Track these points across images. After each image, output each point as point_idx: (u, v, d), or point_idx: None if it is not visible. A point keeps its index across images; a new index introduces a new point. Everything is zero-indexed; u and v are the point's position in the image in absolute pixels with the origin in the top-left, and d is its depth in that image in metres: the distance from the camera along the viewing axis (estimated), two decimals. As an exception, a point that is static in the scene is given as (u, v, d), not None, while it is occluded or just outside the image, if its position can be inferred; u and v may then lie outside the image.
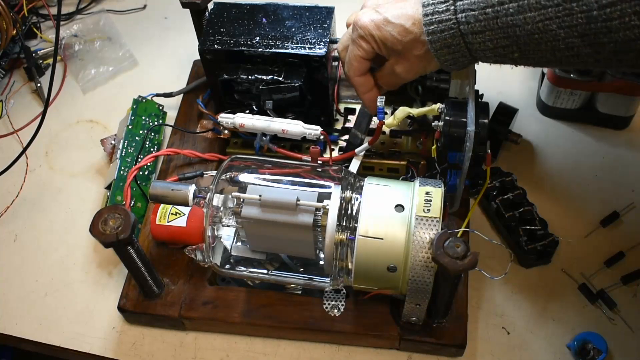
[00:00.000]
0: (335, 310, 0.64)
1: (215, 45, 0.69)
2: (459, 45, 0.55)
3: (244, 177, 0.62)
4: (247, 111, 0.71)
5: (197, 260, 0.61)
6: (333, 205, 0.57)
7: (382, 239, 0.55)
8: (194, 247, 0.61)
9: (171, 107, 0.83)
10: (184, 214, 0.67)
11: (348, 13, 0.77)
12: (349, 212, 0.57)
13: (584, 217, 0.74)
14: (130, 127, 0.78)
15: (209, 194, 0.59)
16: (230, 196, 0.60)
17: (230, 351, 0.66)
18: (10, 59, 0.92)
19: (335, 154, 0.72)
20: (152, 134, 0.80)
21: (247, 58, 0.69)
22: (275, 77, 0.68)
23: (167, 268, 0.67)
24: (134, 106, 0.79)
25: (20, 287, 0.71)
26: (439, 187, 0.57)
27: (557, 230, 0.70)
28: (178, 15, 0.97)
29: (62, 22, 0.96)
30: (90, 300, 0.70)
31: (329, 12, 0.71)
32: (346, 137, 0.74)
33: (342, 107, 0.77)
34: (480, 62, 0.57)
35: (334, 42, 0.72)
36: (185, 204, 0.60)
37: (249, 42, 0.68)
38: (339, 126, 0.76)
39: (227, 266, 0.63)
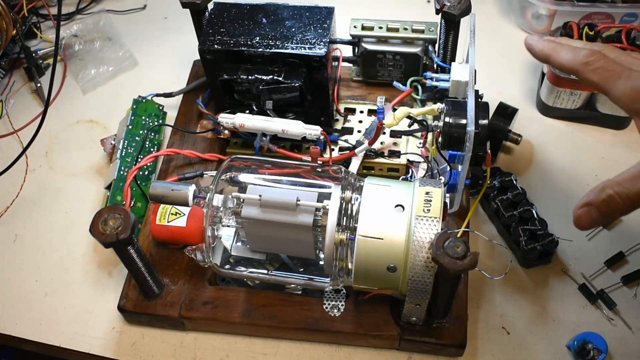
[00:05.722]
0: (335, 310, 0.64)
1: (215, 45, 0.69)
2: None
3: (244, 177, 0.62)
4: (247, 111, 0.71)
5: (197, 260, 0.61)
6: (333, 206, 0.57)
7: (382, 239, 0.55)
8: (194, 247, 0.61)
9: (171, 107, 0.83)
10: (184, 214, 0.67)
11: (348, 13, 0.77)
12: (349, 212, 0.57)
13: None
14: (130, 127, 0.78)
15: (209, 194, 0.59)
16: (230, 196, 0.60)
17: (230, 351, 0.66)
18: (10, 59, 0.91)
19: (335, 154, 0.73)
20: (152, 134, 0.80)
21: (247, 58, 0.69)
22: (275, 77, 0.68)
23: (167, 268, 0.67)
24: (134, 106, 0.79)
25: (20, 287, 0.71)
26: (439, 187, 0.57)
27: (557, 230, 0.70)
28: (178, 15, 0.97)
29: (62, 22, 0.96)
30: (90, 300, 0.70)
31: (329, 12, 0.71)
32: (346, 137, 0.74)
33: (342, 107, 0.77)
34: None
35: (334, 42, 0.72)
36: (185, 204, 0.60)
37: (249, 42, 0.68)
38: (339, 126, 0.76)
39: (227, 266, 0.63)
